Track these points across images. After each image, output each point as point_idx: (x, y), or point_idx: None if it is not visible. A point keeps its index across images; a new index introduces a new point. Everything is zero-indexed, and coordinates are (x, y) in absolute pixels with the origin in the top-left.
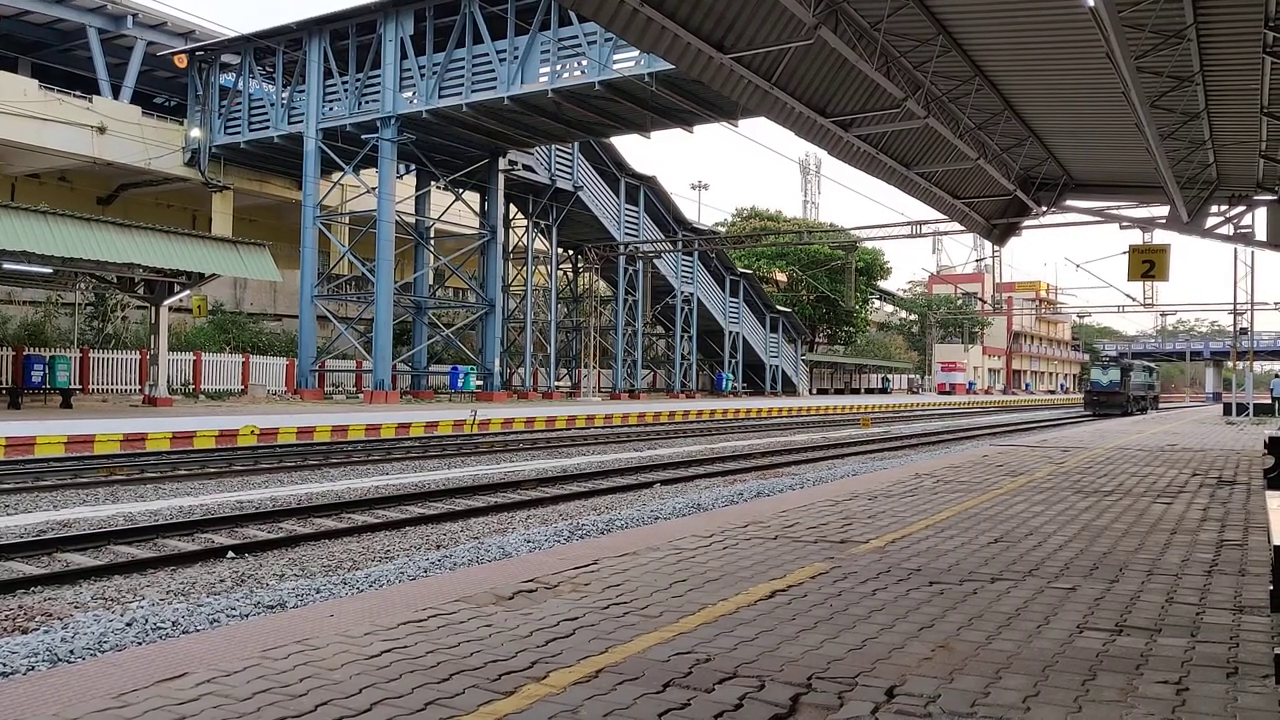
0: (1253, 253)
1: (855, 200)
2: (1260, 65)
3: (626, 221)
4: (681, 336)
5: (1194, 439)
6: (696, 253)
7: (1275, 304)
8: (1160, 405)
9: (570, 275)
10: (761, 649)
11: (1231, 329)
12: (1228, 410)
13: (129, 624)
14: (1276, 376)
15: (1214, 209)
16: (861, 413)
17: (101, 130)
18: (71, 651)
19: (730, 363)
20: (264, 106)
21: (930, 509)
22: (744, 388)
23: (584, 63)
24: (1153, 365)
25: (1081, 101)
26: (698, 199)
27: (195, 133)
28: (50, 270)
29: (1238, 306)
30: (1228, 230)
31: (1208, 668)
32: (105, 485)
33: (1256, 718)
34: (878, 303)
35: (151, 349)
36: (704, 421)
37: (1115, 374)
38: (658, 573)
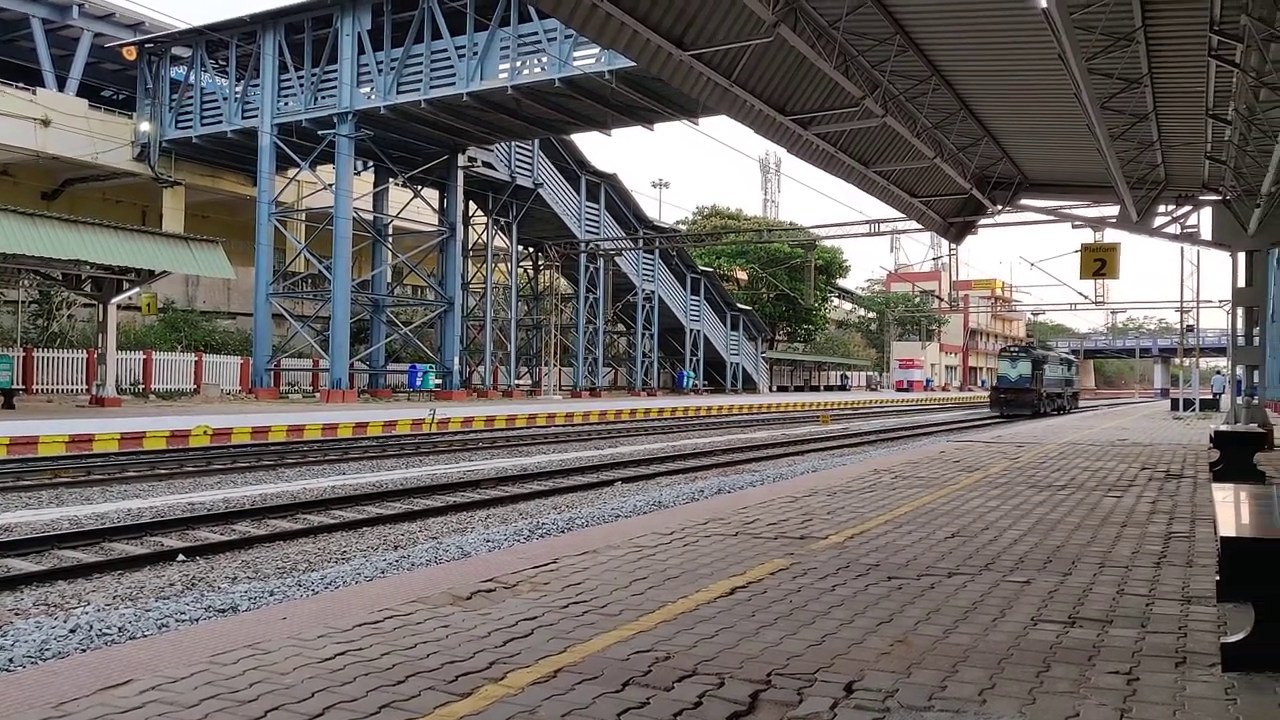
0: (1199, 252)
1: (815, 199)
2: (1205, 68)
3: (587, 219)
4: (643, 334)
5: (1143, 434)
6: (658, 251)
7: (1220, 302)
8: (1081, 404)
9: (531, 273)
10: (721, 646)
11: (1179, 326)
12: (1175, 405)
13: (72, 630)
14: (1218, 373)
15: (1162, 209)
16: (821, 410)
17: (46, 123)
18: (10, 660)
19: (691, 360)
20: (217, 101)
21: (889, 504)
22: (705, 385)
23: (544, 59)
24: (1071, 358)
25: (1035, 102)
26: (659, 197)
27: (145, 126)
28: None
29: (1184, 305)
30: (1175, 229)
31: (1157, 658)
32: (49, 488)
33: (1204, 706)
34: (837, 301)
35: (99, 348)
36: (665, 419)
37: (1026, 367)
38: (618, 571)
